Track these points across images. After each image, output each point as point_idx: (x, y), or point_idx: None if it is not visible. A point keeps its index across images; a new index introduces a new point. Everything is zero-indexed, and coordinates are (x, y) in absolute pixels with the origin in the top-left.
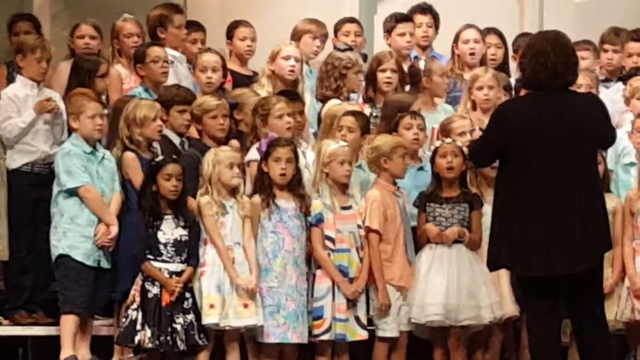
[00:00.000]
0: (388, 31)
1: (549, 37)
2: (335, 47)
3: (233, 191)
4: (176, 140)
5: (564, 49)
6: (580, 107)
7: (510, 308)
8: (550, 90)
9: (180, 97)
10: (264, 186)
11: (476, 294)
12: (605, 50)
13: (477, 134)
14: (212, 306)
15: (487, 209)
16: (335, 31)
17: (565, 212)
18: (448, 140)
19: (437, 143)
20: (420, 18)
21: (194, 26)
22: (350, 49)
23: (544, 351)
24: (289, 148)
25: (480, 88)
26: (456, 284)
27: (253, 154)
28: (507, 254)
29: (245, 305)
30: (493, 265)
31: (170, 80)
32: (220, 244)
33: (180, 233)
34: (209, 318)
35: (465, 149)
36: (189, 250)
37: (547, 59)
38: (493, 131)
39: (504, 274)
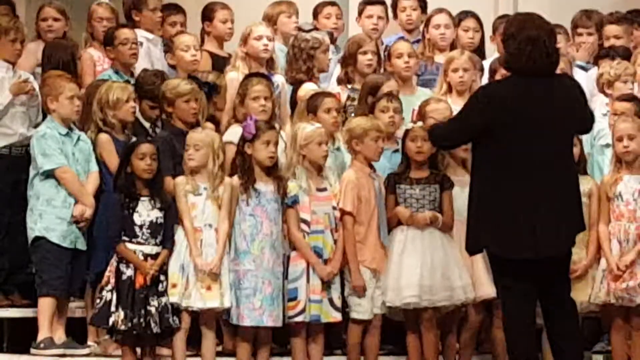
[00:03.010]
0: (360, 14)
1: (539, 22)
2: (299, 29)
3: (207, 172)
4: (146, 124)
5: (553, 34)
6: (562, 91)
7: (486, 290)
8: (537, 74)
9: (153, 94)
10: (245, 169)
11: (449, 275)
12: (580, 34)
13: (432, 121)
14: (174, 285)
15: (456, 191)
16: (315, 14)
17: (546, 194)
18: (419, 123)
19: (409, 125)
20: (404, 2)
21: (173, 9)
22: (316, 28)
23: (519, 332)
24: (275, 131)
25: (455, 70)
26: (430, 265)
27: (231, 135)
28: (489, 236)
29: (209, 288)
30: (473, 248)
31: (143, 62)
32: (188, 224)
33: (156, 215)
34: (171, 297)
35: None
36: (164, 233)
37: (543, 46)
38: (477, 112)
39: (478, 256)
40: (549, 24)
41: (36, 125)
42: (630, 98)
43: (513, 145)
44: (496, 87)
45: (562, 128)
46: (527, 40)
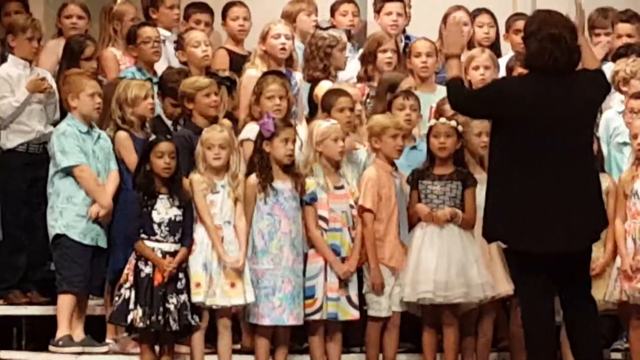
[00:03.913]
0: (377, 11)
1: (560, 20)
2: (317, 27)
3: (224, 170)
4: (168, 122)
5: (574, 32)
6: (581, 87)
7: (504, 287)
8: (557, 73)
9: (175, 92)
10: (263, 168)
11: (467, 273)
12: (597, 34)
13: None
14: (198, 285)
15: (477, 189)
16: (332, 11)
17: (565, 190)
18: (442, 119)
19: (432, 122)
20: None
21: (200, 7)
22: (333, 26)
23: (537, 329)
24: (294, 129)
25: (476, 68)
26: (446, 261)
27: (248, 132)
28: (506, 230)
29: (233, 285)
30: (489, 236)
31: (159, 60)
32: (209, 222)
33: (175, 213)
34: (196, 297)
35: (460, 128)
36: (183, 230)
37: (565, 44)
38: (485, 100)
39: (496, 254)
40: (570, 21)
41: (54, 123)
42: None
43: (532, 141)
44: (514, 83)
45: (581, 125)
46: (549, 38)
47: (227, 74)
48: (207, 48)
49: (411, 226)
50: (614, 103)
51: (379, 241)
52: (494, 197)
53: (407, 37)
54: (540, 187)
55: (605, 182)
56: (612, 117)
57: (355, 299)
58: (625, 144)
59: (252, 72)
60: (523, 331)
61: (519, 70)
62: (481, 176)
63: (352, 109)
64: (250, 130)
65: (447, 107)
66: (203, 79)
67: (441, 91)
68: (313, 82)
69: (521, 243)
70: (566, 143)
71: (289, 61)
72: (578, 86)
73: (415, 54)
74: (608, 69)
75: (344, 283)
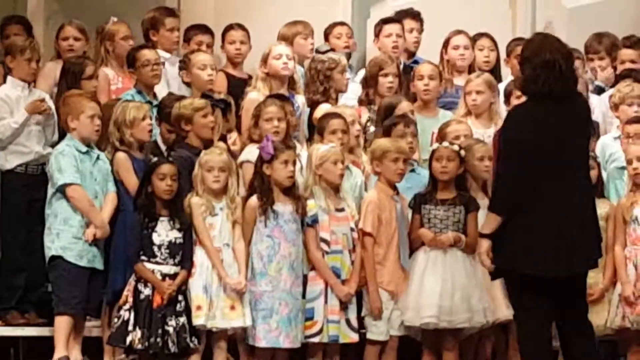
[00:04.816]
0: (377, 35)
1: (556, 45)
2: (316, 51)
3: (222, 193)
4: (163, 147)
5: (570, 57)
6: (578, 113)
7: (504, 312)
8: (552, 98)
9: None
10: (264, 191)
11: (470, 298)
12: (591, 59)
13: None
14: (199, 307)
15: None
16: (326, 35)
17: (571, 215)
18: (445, 143)
19: (435, 146)
20: (411, 23)
21: (201, 29)
22: (332, 50)
23: (537, 355)
24: (294, 151)
25: (469, 93)
26: (450, 286)
27: (248, 155)
28: (516, 254)
29: (232, 307)
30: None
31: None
32: (209, 245)
33: (175, 235)
34: (197, 319)
35: (462, 152)
36: (183, 253)
37: (559, 70)
38: (514, 138)
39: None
40: (566, 46)
41: (52, 145)
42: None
43: (537, 166)
44: (522, 111)
45: (580, 150)
46: (543, 64)
47: (222, 96)
48: (212, 72)
49: (413, 250)
50: (612, 128)
51: (379, 265)
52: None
53: (415, 62)
54: (545, 213)
55: (604, 207)
56: (608, 143)
57: (354, 321)
58: (623, 168)
59: (254, 95)
60: (520, 356)
61: (517, 94)
62: (484, 201)
63: (345, 131)
64: (250, 153)
65: (449, 130)
66: (199, 100)
67: (443, 115)
68: (313, 105)
69: (529, 266)
70: (567, 169)
71: (292, 84)
72: (575, 110)
73: (418, 77)
74: (606, 95)
75: (344, 306)
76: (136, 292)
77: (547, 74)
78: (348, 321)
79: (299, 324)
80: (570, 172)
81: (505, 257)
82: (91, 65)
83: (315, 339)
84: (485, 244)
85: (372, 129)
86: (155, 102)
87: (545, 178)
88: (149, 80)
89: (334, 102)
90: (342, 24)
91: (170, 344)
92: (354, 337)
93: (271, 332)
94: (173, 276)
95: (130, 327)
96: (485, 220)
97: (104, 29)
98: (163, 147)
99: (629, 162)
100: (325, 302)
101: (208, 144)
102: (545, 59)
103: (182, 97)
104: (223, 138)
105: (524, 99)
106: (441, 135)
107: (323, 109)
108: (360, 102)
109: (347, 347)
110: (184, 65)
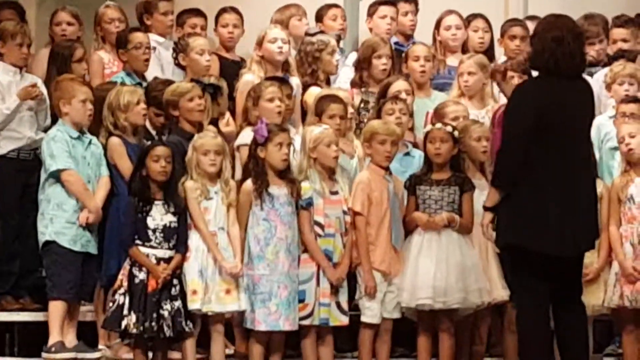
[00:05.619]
0: (370, 15)
1: (567, 24)
2: (306, 33)
3: (217, 176)
4: (153, 131)
5: (579, 36)
6: (584, 93)
7: (500, 293)
8: (559, 75)
9: (159, 101)
10: (259, 173)
11: (465, 278)
12: (592, 44)
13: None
14: (194, 292)
15: (474, 194)
16: (320, 17)
17: (576, 195)
18: (438, 125)
19: (428, 127)
20: (406, 7)
21: (194, 12)
22: (322, 32)
23: (536, 336)
24: (288, 133)
25: (461, 74)
26: (444, 267)
27: (244, 138)
28: (521, 231)
29: (228, 291)
30: (503, 243)
31: (153, 66)
32: (204, 229)
33: (170, 219)
34: (192, 304)
35: (456, 133)
36: (178, 237)
37: (567, 47)
38: (520, 116)
39: (492, 259)
40: (578, 26)
41: (45, 130)
42: (634, 99)
43: (542, 141)
44: (529, 87)
45: (584, 128)
46: (551, 39)
47: (212, 80)
48: (209, 57)
49: (408, 232)
50: (607, 108)
51: (370, 245)
52: (507, 201)
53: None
54: (552, 192)
55: (599, 187)
56: (603, 123)
57: (344, 305)
58: (616, 148)
59: (249, 77)
60: (517, 337)
61: (510, 74)
62: (481, 182)
63: (342, 117)
64: (247, 136)
65: (447, 110)
66: (184, 84)
67: (437, 96)
68: (304, 88)
69: (534, 243)
70: (572, 145)
71: (286, 66)
72: (581, 90)
73: (413, 58)
74: (602, 74)
75: (335, 289)
76: (131, 276)
77: (554, 49)
78: (338, 304)
79: (296, 306)
80: (574, 148)
81: (512, 233)
82: (80, 48)
83: (306, 322)
84: (488, 216)
85: (364, 112)
86: (145, 84)
87: (549, 153)
88: (140, 63)
89: (321, 84)
90: (336, 6)
91: (165, 328)
92: (344, 320)
93: (271, 315)
94: (168, 260)
95: (125, 312)
96: (488, 194)
97: (97, 12)
98: (153, 132)
99: (621, 140)
100: (318, 285)
101: (200, 128)
102: (554, 35)
103: (167, 81)
104: (214, 122)
105: (516, 80)
106: (439, 116)
107: (313, 92)
108: (353, 84)
109: (341, 329)
110: (180, 48)
